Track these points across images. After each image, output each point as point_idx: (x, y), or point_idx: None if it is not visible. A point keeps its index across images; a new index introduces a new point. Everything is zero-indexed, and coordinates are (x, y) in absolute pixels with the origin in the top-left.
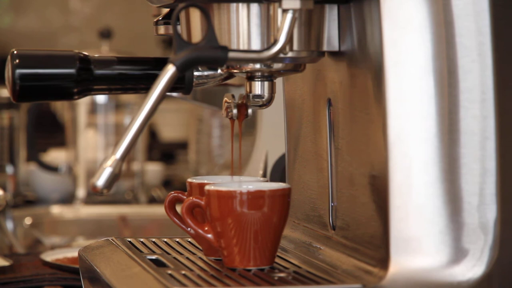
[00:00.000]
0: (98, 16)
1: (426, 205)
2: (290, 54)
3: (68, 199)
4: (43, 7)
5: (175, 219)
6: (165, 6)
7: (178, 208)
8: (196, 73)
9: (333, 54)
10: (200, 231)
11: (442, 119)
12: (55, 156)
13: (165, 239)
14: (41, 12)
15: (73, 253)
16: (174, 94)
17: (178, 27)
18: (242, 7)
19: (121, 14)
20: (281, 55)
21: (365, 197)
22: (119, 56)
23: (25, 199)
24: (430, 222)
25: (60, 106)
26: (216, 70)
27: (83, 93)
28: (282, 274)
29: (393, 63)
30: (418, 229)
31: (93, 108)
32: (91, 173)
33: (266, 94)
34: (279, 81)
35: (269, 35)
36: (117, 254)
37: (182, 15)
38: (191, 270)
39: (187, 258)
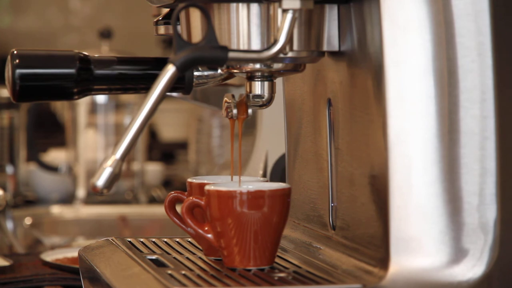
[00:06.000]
0: (98, 16)
1: (426, 205)
2: (290, 54)
3: (68, 199)
4: (43, 7)
5: (175, 219)
6: (165, 6)
7: (178, 208)
8: (196, 73)
9: (333, 54)
10: (200, 231)
11: (442, 119)
12: (55, 156)
13: (165, 239)
14: (41, 12)
15: (73, 253)
16: (174, 94)
17: (178, 27)
18: (242, 7)
19: (121, 14)
20: (281, 55)
21: (365, 197)
22: (119, 56)
23: (25, 199)
24: (430, 222)
25: (60, 106)
26: (216, 70)
27: (83, 93)
28: (282, 274)
29: (393, 63)
30: (418, 229)
31: (93, 108)
32: (91, 173)
33: (266, 94)
34: (279, 81)
35: (269, 35)
36: (117, 254)
37: (182, 15)
38: (191, 270)
39: (187, 258)
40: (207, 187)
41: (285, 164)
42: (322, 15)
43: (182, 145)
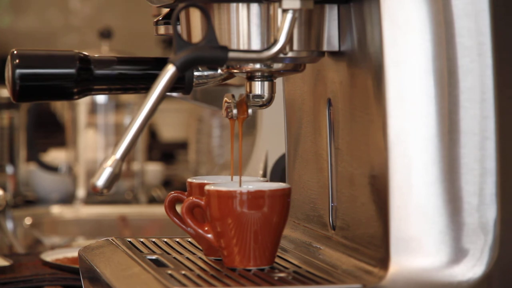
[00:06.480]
0: (98, 16)
1: (426, 205)
2: (290, 54)
3: (68, 199)
4: (43, 7)
5: (175, 219)
6: (165, 6)
7: (178, 208)
8: (196, 73)
9: (333, 54)
10: (200, 231)
11: (442, 119)
12: (55, 156)
13: (165, 239)
14: (41, 12)
15: (73, 253)
16: (174, 94)
17: (178, 27)
18: (242, 7)
19: (121, 14)
20: (281, 55)
21: (365, 197)
22: (119, 56)
23: (25, 199)
24: (430, 222)
25: (60, 106)
26: (216, 70)
27: (83, 93)
28: (282, 274)
29: (393, 63)
30: (418, 229)
31: (93, 108)
32: (91, 173)
33: (266, 94)
34: (279, 81)
35: (269, 35)
36: (117, 254)
37: (182, 15)
38: (191, 270)
39: (187, 258)
40: (207, 187)
41: (285, 164)
42: (322, 15)
43: (182, 145)
